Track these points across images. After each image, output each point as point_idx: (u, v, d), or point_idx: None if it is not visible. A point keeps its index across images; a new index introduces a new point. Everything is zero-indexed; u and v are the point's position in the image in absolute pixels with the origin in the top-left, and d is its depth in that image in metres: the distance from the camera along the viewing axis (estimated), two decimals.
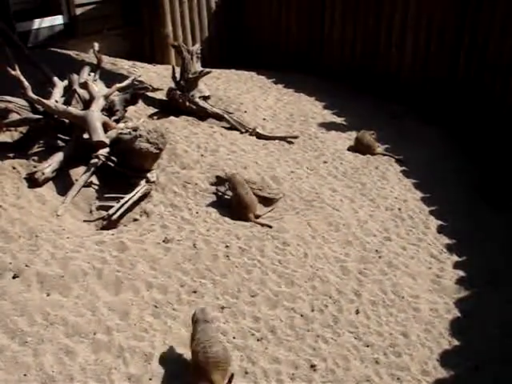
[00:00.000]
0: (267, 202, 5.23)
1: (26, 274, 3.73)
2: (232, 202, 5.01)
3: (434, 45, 7.51)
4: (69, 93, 5.61)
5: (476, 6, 6.95)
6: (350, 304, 4.24)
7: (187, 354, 3.48)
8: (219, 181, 5.28)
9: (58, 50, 7.60)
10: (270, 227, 4.81)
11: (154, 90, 6.42)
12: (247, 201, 4.92)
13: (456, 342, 4.11)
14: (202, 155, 5.69)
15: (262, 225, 4.85)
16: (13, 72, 5.18)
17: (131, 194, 4.85)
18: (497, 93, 6.84)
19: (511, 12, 6.51)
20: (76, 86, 5.59)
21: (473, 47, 7.09)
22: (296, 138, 6.63)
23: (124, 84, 5.88)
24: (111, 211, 4.68)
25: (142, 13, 8.43)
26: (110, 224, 4.65)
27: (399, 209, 5.61)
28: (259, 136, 6.53)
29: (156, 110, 6.51)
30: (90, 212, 4.79)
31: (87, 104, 5.43)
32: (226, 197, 5.11)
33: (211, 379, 3.18)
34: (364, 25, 8.17)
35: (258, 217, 4.96)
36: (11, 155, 5.02)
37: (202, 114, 6.63)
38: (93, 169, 5.02)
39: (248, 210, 4.91)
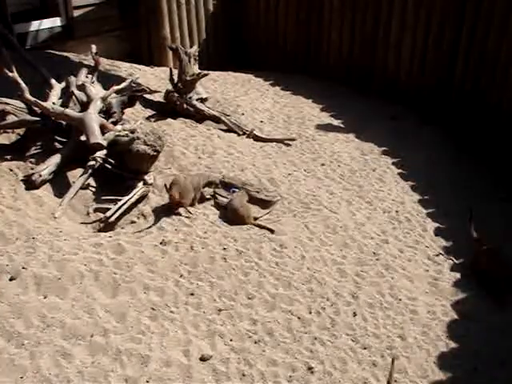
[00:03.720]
0: (264, 204, 5.22)
1: (22, 276, 3.72)
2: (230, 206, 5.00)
3: (432, 45, 7.51)
4: (66, 95, 5.61)
5: (474, 6, 6.96)
6: (348, 306, 4.24)
7: (185, 356, 3.49)
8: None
9: (56, 52, 7.59)
10: (272, 231, 4.80)
11: (152, 92, 6.43)
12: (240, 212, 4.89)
13: (453, 345, 4.11)
14: (200, 157, 5.69)
15: (263, 228, 4.84)
16: (10, 74, 5.18)
17: (128, 196, 4.84)
18: (495, 93, 6.85)
19: (510, 13, 6.52)
20: (73, 88, 5.59)
21: (471, 48, 7.10)
22: (293, 140, 6.63)
23: (122, 86, 5.88)
24: (108, 213, 4.67)
25: (139, 15, 8.43)
26: (107, 226, 4.65)
27: (396, 211, 5.60)
28: (257, 138, 6.52)
29: (153, 112, 6.50)
30: (88, 214, 4.79)
31: (84, 106, 5.43)
32: (223, 199, 5.10)
33: (170, 192, 4.68)
34: (362, 25, 8.17)
35: (256, 219, 4.95)
36: (8, 157, 5.01)
37: (200, 117, 6.62)
38: (90, 171, 5.01)
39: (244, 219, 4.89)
